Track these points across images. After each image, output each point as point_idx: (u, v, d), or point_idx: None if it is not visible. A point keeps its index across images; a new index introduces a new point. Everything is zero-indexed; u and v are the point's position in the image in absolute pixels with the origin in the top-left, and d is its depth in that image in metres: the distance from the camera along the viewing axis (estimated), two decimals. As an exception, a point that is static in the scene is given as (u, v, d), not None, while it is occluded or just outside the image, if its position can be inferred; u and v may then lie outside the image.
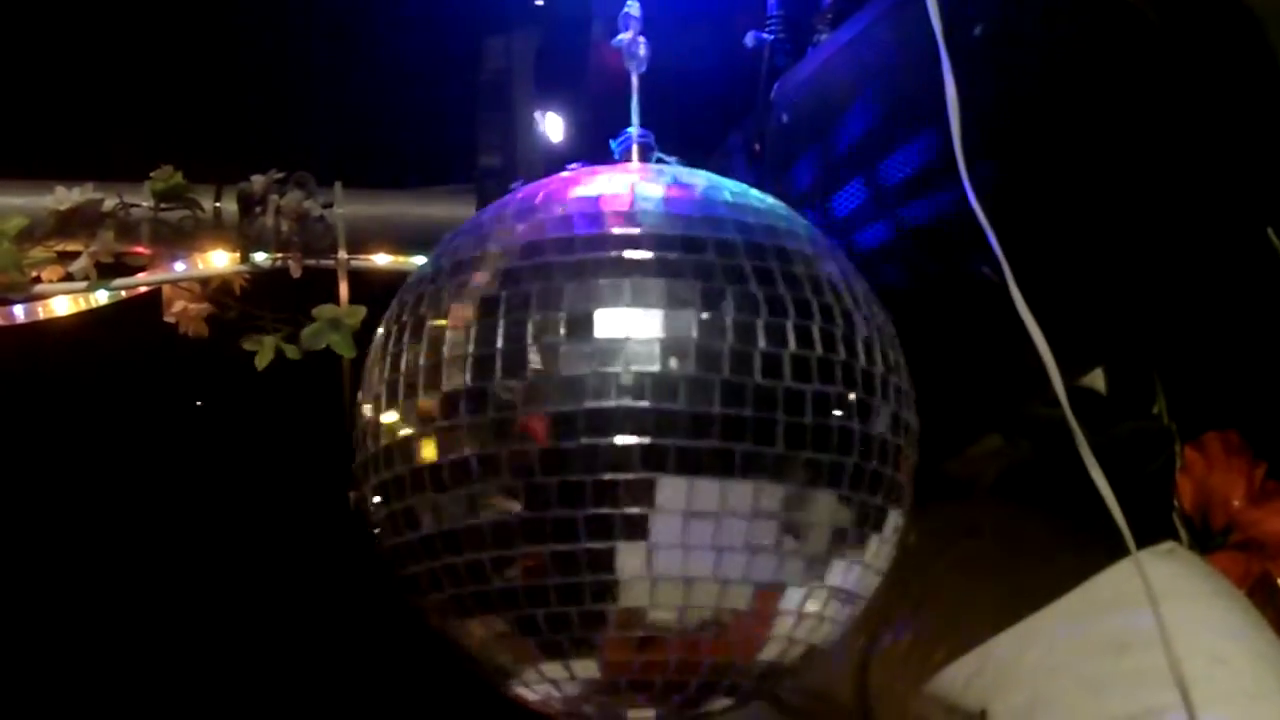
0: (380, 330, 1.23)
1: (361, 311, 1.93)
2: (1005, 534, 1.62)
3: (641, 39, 1.29)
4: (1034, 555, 1.59)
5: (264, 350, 1.95)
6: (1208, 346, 1.76)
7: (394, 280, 2.01)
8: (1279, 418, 1.90)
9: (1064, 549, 1.56)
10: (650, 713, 1.19)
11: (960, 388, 1.47)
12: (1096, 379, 1.64)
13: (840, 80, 1.44)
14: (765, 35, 1.58)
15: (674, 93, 1.35)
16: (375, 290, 1.98)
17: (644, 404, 1.10)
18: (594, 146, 1.33)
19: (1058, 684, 1.50)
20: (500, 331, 1.12)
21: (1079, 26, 1.28)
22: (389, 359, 1.18)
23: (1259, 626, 1.55)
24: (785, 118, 1.51)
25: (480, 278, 1.15)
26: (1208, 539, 1.87)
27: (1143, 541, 1.25)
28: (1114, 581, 1.50)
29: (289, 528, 3.15)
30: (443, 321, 1.15)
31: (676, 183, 1.21)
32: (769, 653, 1.19)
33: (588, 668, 1.16)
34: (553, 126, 1.81)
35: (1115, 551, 1.38)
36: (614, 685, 1.17)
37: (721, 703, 1.21)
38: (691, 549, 1.12)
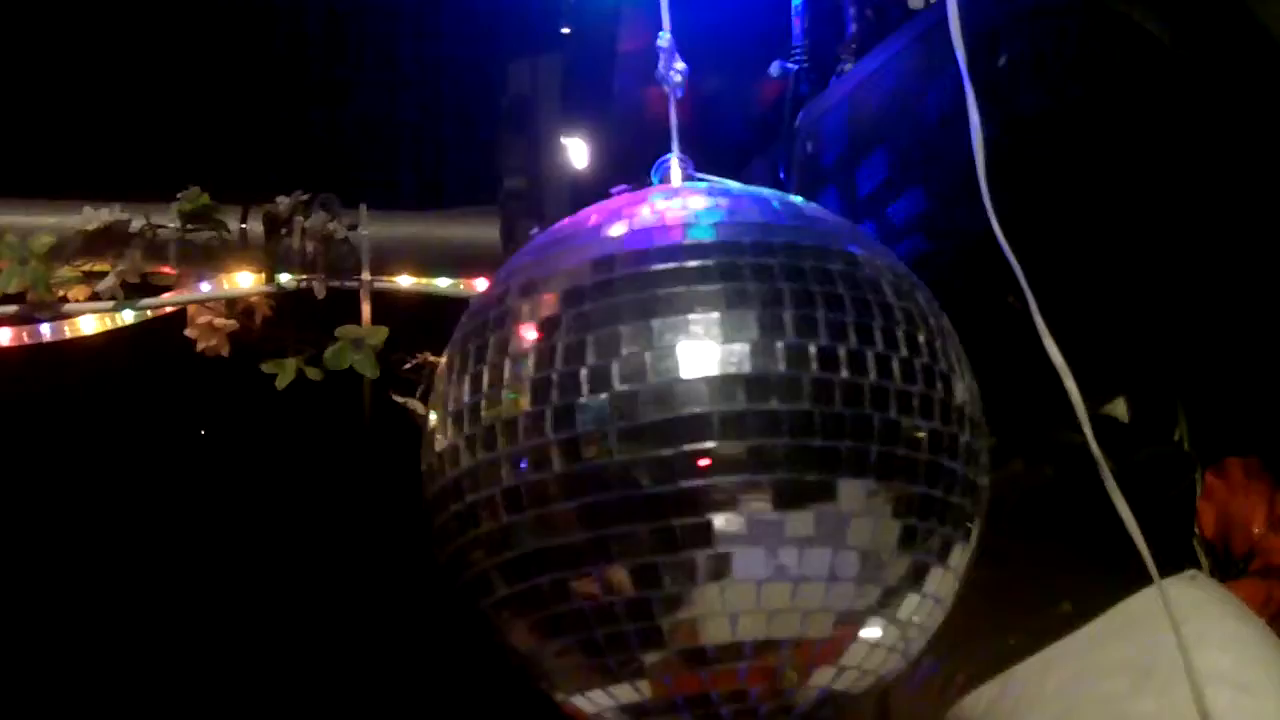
0: (446, 354, 1.23)
1: (384, 332, 1.94)
2: (1027, 560, 1.62)
3: (679, 64, 1.29)
4: (1056, 581, 1.59)
5: (285, 372, 1.96)
6: (1229, 373, 1.76)
7: (417, 301, 2.03)
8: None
9: (1086, 575, 1.56)
10: None
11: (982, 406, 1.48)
12: (1118, 406, 1.65)
13: (865, 110, 1.45)
14: (790, 65, 1.59)
15: (698, 121, 1.35)
16: (398, 311, 1.99)
17: (728, 411, 1.10)
18: (618, 170, 1.34)
19: (1080, 710, 1.50)
20: (574, 350, 1.12)
21: (1101, 54, 1.29)
22: (459, 383, 1.18)
23: (1280, 653, 1.55)
24: (810, 146, 1.52)
25: (549, 298, 1.15)
26: (1229, 566, 1.87)
27: (1165, 568, 1.25)
28: (1136, 608, 1.50)
29: (311, 546, 3.16)
30: (514, 343, 1.15)
31: (733, 196, 1.21)
32: (837, 682, 1.18)
33: (650, 688, 1.16)
34: (576, 151, 1.82)
35: (1137, 578, 1.38)
36: (673, 706, 1.17)
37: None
38: (770, 573, 1.11)
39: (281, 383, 1.96)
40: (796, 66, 1.58)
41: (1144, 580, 1.30)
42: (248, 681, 3.26)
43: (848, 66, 1.53)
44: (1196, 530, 1.74)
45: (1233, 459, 1.93)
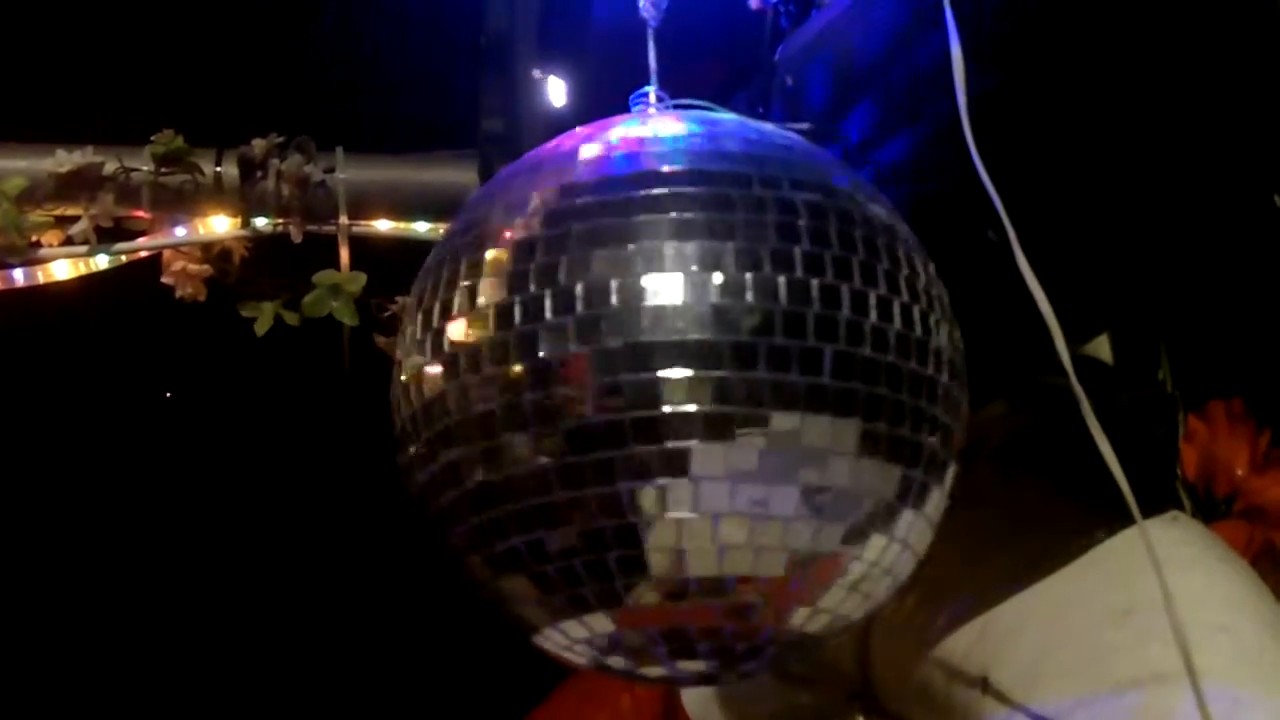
0: (414, 286, 1.22)
1: (362, 278, 1.92)
2: (1008, 501, 1.62)
3: None
4: (1037, 523, 1.59)
5: (263, 317, 1.95)
6: (1213, 314, 1.75)
7: (395, 246, 2.01)
8: (1281, 385, 1.90)
9: (1067, 516, 1.56)
10: (700, 664, 1.18)
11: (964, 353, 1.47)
12: (1102, 347, 1.64)
13: (845, 40, 1.43)
14: (770, -2, 1.57)
15: (678, 55, 1.34)
16: (377, 256, 1.97)
17: (695, 337, 1.08)
18: (597, 109, 1.32)
19: (1061, 650, 1.50)
20: (543, 274, 1.11)
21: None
22: (426, 312, 1.17)
23: (1262, 593, 1.55)
24: (790, 80, 1.50)
25: (520, 223, 1.14)
26: (1211, 507, 1.87)
27: (1147, 509, 1.24)
28: (1118, 548, 1.50)
29: (289, 492, 3.15)
30: (482, 269, 1.14)
31: (707, 122, 1.19)
32: (807, 619, 1.18)
33: (623, 619, 1.16)
34: (555, 90, 1.80)
35: (1119, 519, 1.38)
36: (650, 638, 1.16)
37: (754, 664, 1.20)
38: (733, 506, 1.10)
39: (260, 328, 1.95)
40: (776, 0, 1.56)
41: (1126, 521, 1.29)
42: (228, 631, 3.26)
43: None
44: (1179, 472, 1.74)
45: (1216, 401, 1.93)
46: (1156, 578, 1.23)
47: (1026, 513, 1.60)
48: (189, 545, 3.23)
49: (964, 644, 1.57)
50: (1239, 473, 1.89)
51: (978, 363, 1.52)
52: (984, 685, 1.54)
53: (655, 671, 1.19)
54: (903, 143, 1.40)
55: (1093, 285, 1.49)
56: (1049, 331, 1.21)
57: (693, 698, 1.80)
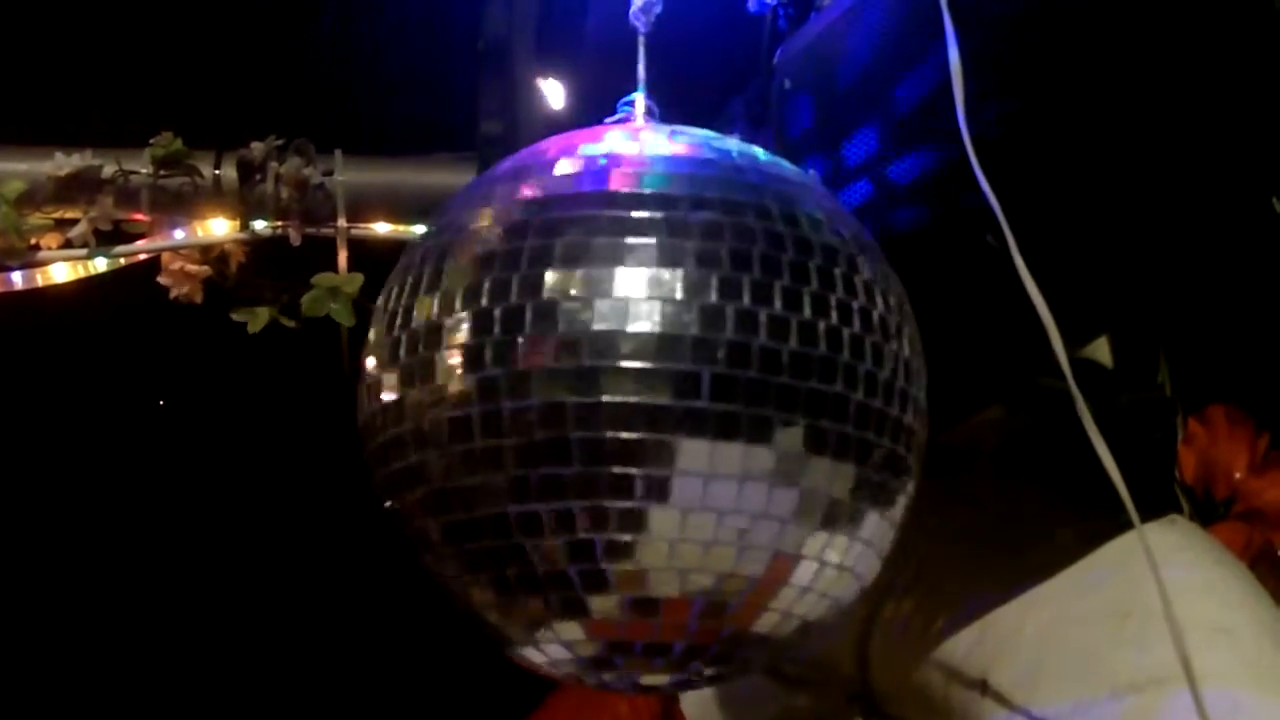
0: (385, 288, 1.22)
1: (360, 279, 1.92)
2: (1006, 505, 1.62)
3: None
4: (1035, 525, 1.58)
5: (256, 319, 1.95)
6: (1212, 317, 1.75)
7: (394, 248, 2.01)
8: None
9: (1065, 519, 1.56)
10: (664, 678, 1.19)
11: (961, 357, 1.46)
12: (1100, 349, 1.64)
13: (844, 43, 1.43)
14: (768, 0, 1.57)
15: (676, 58, 1.34)
16: (375, 258, 1.97)
17: (640, 364, 1.09)
18: (595, 112, 1.32)
19: (1059, 652, 1.50)
20: (501, 287, 1.11)
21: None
22: (390, 316, 1.18)
23: (1261, 597, 1.55)
24: (788, 83, 1.50)
25: (484, 234, 1.15)
26: (1210, 510, 1.87)
27: (1145, 512, 1.24)
28: (1116, 551, 1.50)
29: (287, 494, 3.15)
30: (445, 278, 1.15)
31: (681, 141, 1.19)
32: (767, 624, 1.18)
33: (590, 631, 1.16)
34: (554, 93, 1.80)
35: (1117, 522, 1.38)
36: (615, 650, 1.17)
37: (717, 670, 1.20)
38: (689, 510, 1.11)
39: (253, 327, 1.95)
40: (774, 2, 1.56)
41: (1124, 524, 1.29)
42: (227, 634, 3.26)
43: (826, 1, 1.51)
44: (1177, 475, 1.74)
45: (1216, 405, 1.93)
46: (1155, 581, 1.23)
47: (1024, 516, 1.60)
48: (188, 548, 3.23)
49: (963, 646, 1.57)
50: (1237, 475, 1.89)
51: (974, 367, 1.52)
52: (983, 687, 1.54)
53: (624, 682, 1.20)
54: (903, 146, 1.40)
55: (1091, 289, 1.49)
56: (1047, 335, 1.21)
57: (691, 701, 1.80)
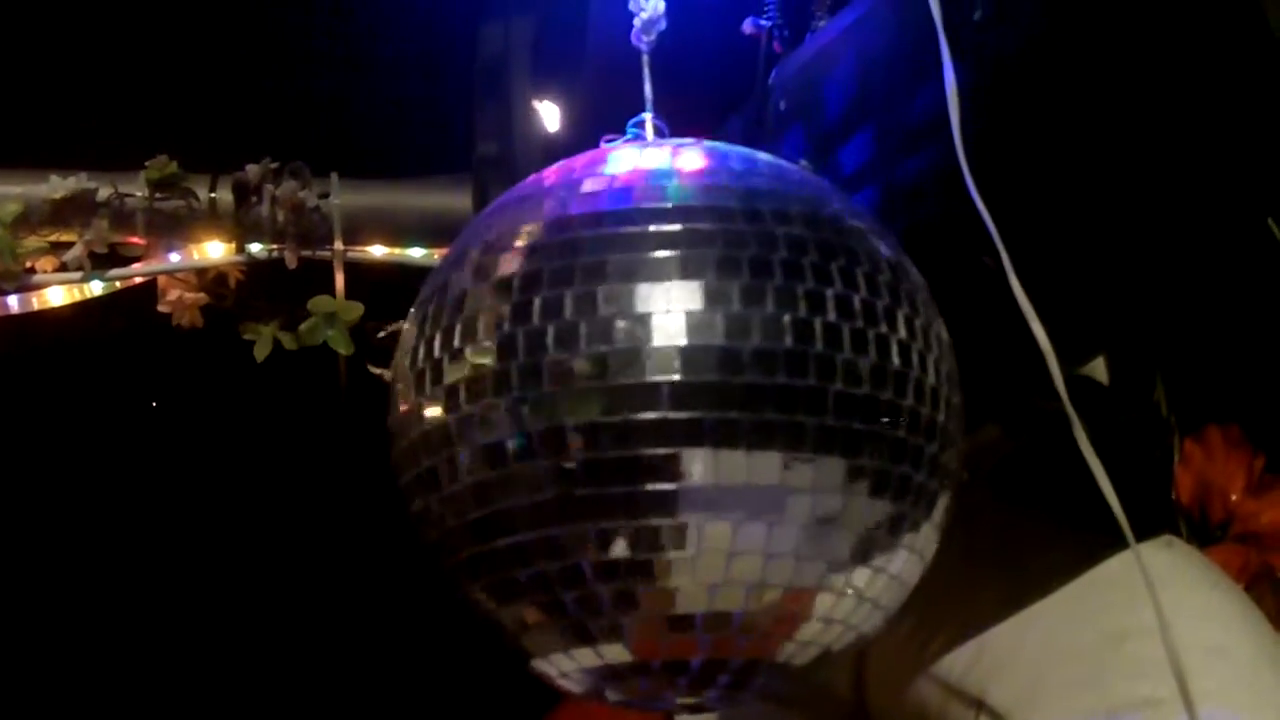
0: (411, 314, 1.22)
1: (359, 308, 1.92)
2: (1003, 525, 1.61)
3: (661, 7, 1.27)
4: (1031, 546, 1.58)
5: (262, 340, 1.95)
6: (1208, 338, 1.75)
7: (391, 271, 2.01)
8: (1278, 409, 1.90)
9: (1061, 540, 1.56)
10: (686, 698, 1.19)
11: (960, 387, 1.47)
12: (1098, 368, 1.64)
13: (839, 67, 1.44)
14: (763, 21, 1.58)
15: (672, 79, 1.34)
16: (372, 280, 1.97)
17: (678, 378, 1.08)
18: (592, 133, 1.33)
19: (1056, 672, 1.49)
20: (529, 310, 1.11)
21: (1077, 9, 1.28)
22: (423, 343, 1.17)
23: (1257, 618, 1.55)
24: (783, 104, 1.50)
25: (509, 257, 1.14)
26: (1206, 533, 1.86)
27: (1141, 533, 1.24)
28: (1112, 572, 1.50)
29: (284, 517, 3.15)
30: (474, 304, 1.15)
31: (699, 155, 1.19)
32: (806, 636, 1.18)
33: (619, 651, 1.16)
34: (550, 114, 1.80)
35: (1113, 543, 1.38)
36: (637, 668, 1.16)
37: (735, 692, 1.20)
38: (733, 528, 1.10)
39: (260, 353, 1.95)
40: (770, 23, 1.56)
41: (1120, 545, 1.29)
42: (220, 653, 3.25)
43: (822, 23, 1.51)
44: (1173, 496, 1.74)
45: (1213, 426, 1.92)
46: (1151, 601, 1.23)
47: (1021, 536, 1.60)
48: (187, 571, 3.22)
49: (960, 666, 1.57)
50: (1234, 498, 1.88)
51: (972, 387, 1.52)
52: (980, 707, 1.53)
53: (644, 700, 1.19)
54: (897, 169, 1.40)
55: (1088, 311, 1.49)
56: (1043, 355, 1.21)
57: (687, 723, 1.80)
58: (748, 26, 1.58)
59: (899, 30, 1.36)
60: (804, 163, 1.41)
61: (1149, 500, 1.60)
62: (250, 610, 3.24)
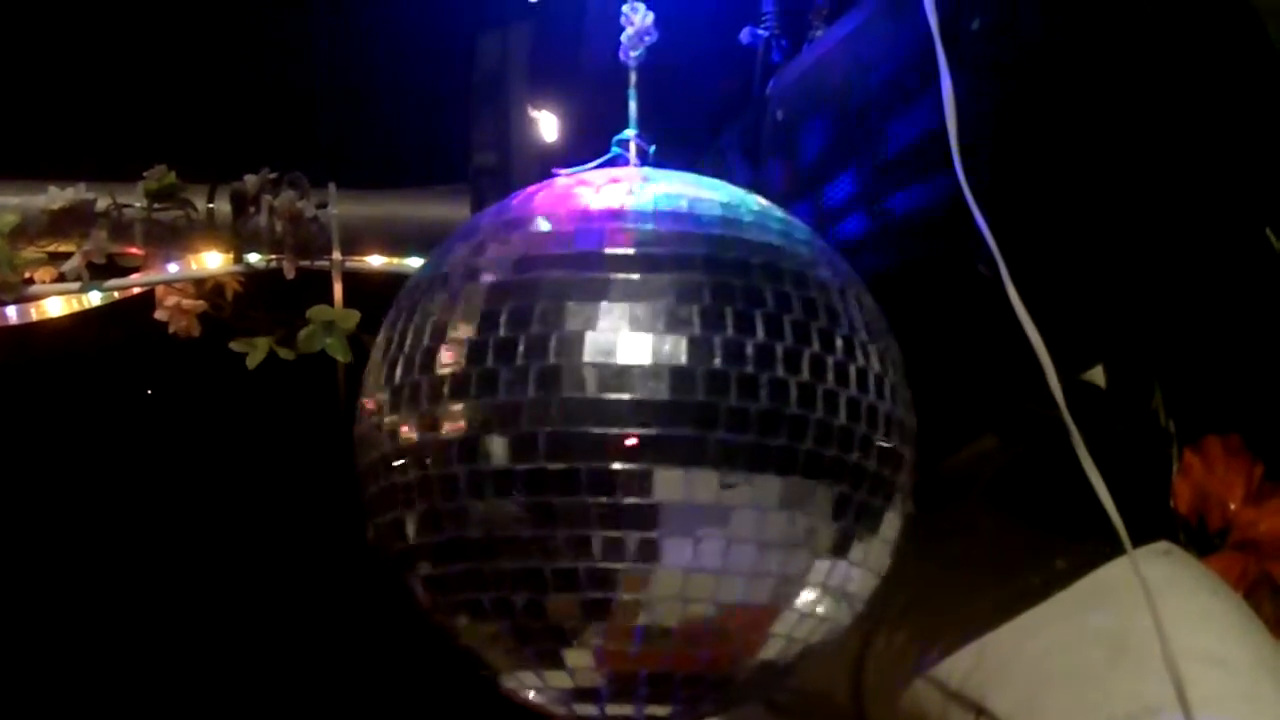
0: (380, 335, 1.23)
1: (356, 316, 1.93)
2: (1000, 534, 1.61)
3: (641, 16, 1.27)
4: (1030, 554, 1.58)
5: (255, 352, 1.95)
6: (1207, 347, 1.75)
7: (389, 281, 2.01)
8: (1277, 418, 1.90)
9: (1060, 548, 1.56)
10: (664, 709, 1.19)
11: (954, 387, 1.47)
12: (1096, 377, 1.64)
13: (836, 76, 1.43)
14: (760, 31, 1.58)
15: (668, 90, 1.34)
16: (370, 291, 1.97)
17: (626, 396, 1.10)
18: (589, 144, 1.32)
19: (1056, 680, 1.49)
20: (488, 348, 1.12)
21: (1077, 19, 1.28)
22: (386, 367, 1.18)
23: (1256, 627, 1.55)
24: (780, 114, 1.50)
25: (473, 290, 1.15)
26: (1205, 541, 1.86)
27: (1139, 541, 1.24)
28: (1110, 580, 1.49)
29: (282, 528, 3.15)
30: (437, 333, 1.15)
31: (670, 193, 1.20)
32: (769, 651, 1.18)
33: (585, 666, 1.16)
34: (547, 124, 1.81)
35: (1111, 551, 1.37)
36: (614, 681, 1.17)
37: (718, 699, 1.20)
38: (692, 544, 1.11)
39: (252, 362, 1.95)
40: (767, 33, 1.56)
41: (1118, 553, 1.29)
42: (220, 660, 3.25)
43: (819, 33, 1.51)
44: (1172, 505, 1.74)
45: (1212, 436, 1.93)
46: (1149, 610, 1.23)
47: (1019, 545, 1.60)
48: (186, 579, 3.22)
49: (959, 672, 1.57)
50: (1233, 507, 1.88)
51: (968, 397, 1.52)
52: (979, 713, 1.53)
53: (611, 715, 1.20)
54: (894, 184, 1.40)
55: (1086, 320, 1.49)
56: (1040, 365, 1.21)
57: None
58: (745, 35, 1.58)
59: (897, 40, 1.36)
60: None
61: (1147, 508, 1.60)
62: (250, 617, 3.24)
